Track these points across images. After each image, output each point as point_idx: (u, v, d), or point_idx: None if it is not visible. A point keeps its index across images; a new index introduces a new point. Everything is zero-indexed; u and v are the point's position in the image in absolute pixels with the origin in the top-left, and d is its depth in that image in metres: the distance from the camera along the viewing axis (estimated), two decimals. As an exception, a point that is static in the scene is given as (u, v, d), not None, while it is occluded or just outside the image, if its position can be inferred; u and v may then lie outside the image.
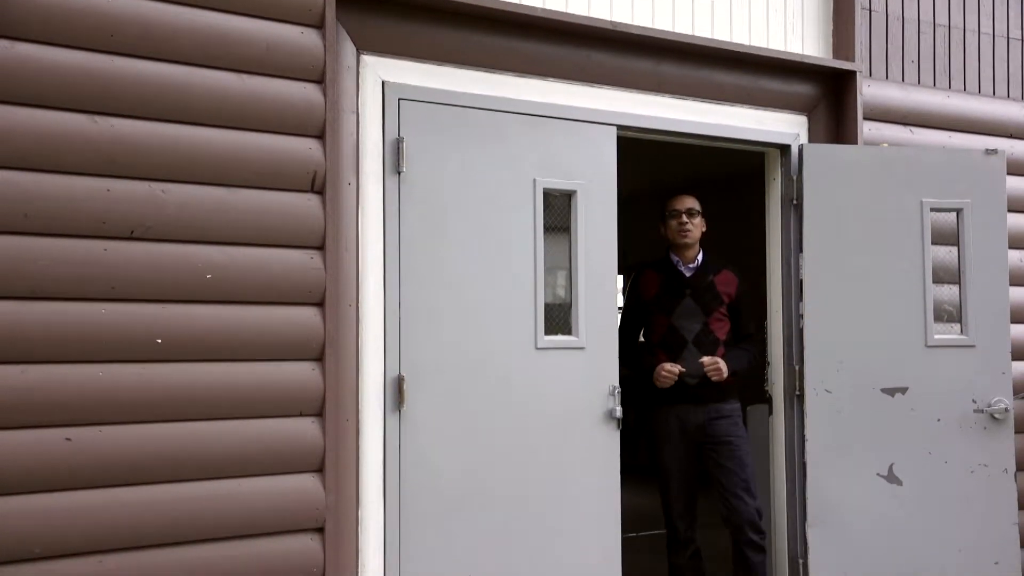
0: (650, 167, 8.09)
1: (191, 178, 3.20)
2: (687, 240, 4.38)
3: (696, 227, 4.39)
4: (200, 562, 3.17)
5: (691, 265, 4.40)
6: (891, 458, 4.32)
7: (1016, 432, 4.49)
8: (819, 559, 4.26)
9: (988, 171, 4.47)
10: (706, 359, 4.24)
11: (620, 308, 4.40)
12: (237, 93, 3.28)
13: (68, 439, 2.98)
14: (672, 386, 4.26)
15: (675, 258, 4.43)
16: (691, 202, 4.42)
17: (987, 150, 4.49)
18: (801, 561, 4.28)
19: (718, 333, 4.34)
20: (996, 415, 4.38)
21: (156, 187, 3.14)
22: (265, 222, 3.32)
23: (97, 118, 3.05)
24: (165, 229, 3.15)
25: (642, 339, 4.55)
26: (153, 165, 3.13)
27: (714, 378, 4.23)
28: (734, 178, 7.71)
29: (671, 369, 4.23)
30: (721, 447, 4.28)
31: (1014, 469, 4.41)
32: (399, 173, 3.66)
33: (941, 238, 4.46)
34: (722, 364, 4.25)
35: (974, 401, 4.39)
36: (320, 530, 3.38)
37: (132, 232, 3.10)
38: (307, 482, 3.37)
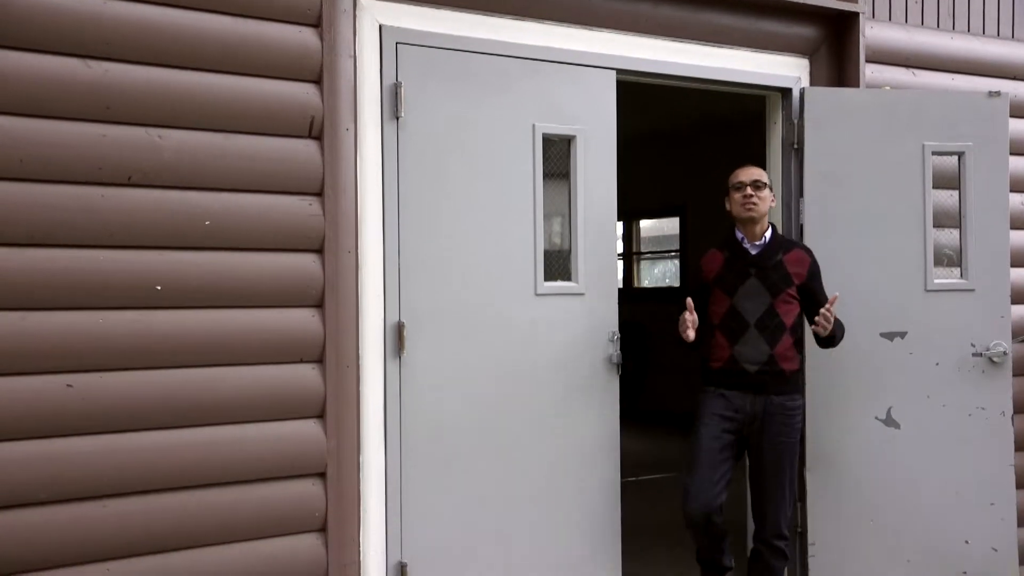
0: (650, 112, 8.05)
1: (188, 123, 3.18)
2: (752, 214, 3.96)
3: (763, 200, 3.97)
4: (202, 507, 3.20)
5: (758, 243, 3.99)
6: (889, 402, 4.34)
7: (1014, 375, 4.51)
8: (817, 503, 4.30)
9: (991, 114, 4.44)
10: (823, 311, 3.81)
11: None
12: (233, 37, 3.24)
13: (69, 385, 2.99)
14: (729, 370, 3.92)
15: (740, 235, 4.03)
16: (757, 173, 4.03)
17: (990, 92, 4.45)
18: (799, 504, 4.32)
19: (784, 317, 3.93)
20: (994, 359, 4.39)
21: (152, 133, 3.12)
22: (263, 168, 3.30)
23: (91, 62, 3.02)
24: (162, 175, 3.14)
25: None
26: (148, 110, 3.11)
27: (820, 324, 3.82)
28: (734, 122, 7.67)
29: (684, 315, 3.82)
30: (768, 447, 3.92)
31: (1011, 412, 4.43)
32: (397, 119, 3.63)
33: (942, 181, 4.44)
34: (831, 316, 3.83)
35: (973, 345, 4.40)
36: (322, 475, 3.41)
37: (129, 178, 3.08)
38: (308, 428, 3.39)
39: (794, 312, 3.96)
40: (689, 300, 3.86)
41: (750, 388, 3.91)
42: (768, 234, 4.02)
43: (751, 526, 4.21)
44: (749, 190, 3.96)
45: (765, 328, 3.90)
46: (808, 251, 4.07)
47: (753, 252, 3.98)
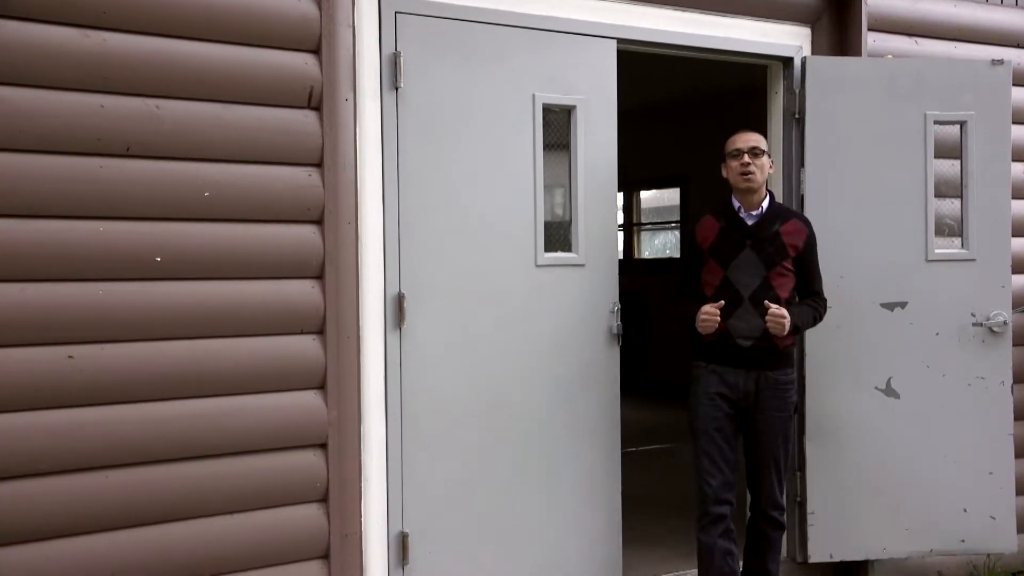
0: (650, 82, 8.01)
1: (186, 94, 3.16)
2: (750, 184, 3.81)
3: (761, 169, 3.83)
4: (204, 478, 3.22)
5: (754, 212, 3.85)
6: (889, 372, 4.35)
7: (1014, 345, 4.51)
8: (816, 472, 4.32)
9: (993, 82, 4.41)
10: (772, 306, 3.70)
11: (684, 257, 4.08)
12: (232, 6, 3.22)
13: (70, 357, 2.99)
14: (721, 345, 3.82)
15: (736, 203, 3.88)
16: (755, 140, 3.87)
17: (993, 61, 4.42)
18: (799, 474, 4.34)
19: (780, 290, 3.81)
20: (995, 328, 4.39)
21: (151, 103, 3.10)
22: (262, 139, 3.29)
23: (89, 32, 3.00)
24: (161, 146, 3.12)
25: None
26: (147, 81, 3.09)
27: (773, 331, 3.71)
28: (735, 92, 7.62)
29: (710, 310, 3.74)
30: (762, 421, 3.84)
31: (1011, 381, 4.44)
32: (397, 89, 3.61)
33: (944, 151, 4.43)
34: (787, 316, 3.71)
35: (973, 315, 4.40)
36: (323, 446, 3.42)
37: (128, 149, 3.07)
38: (309, 399, 3.40)
39: (790, 285, 3.87)
40: (713, 306, 3.75)
41: (743, 364, 3.81)
42: (765, 203, 3.88)
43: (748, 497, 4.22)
44: (747, 158, 3.82)
45: (760, 302, 3.77)
46: (806, 221, 3.96)
47: (749, 222, 3.86)
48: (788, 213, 3.97)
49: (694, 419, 3.89)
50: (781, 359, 3.87)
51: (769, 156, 3.92)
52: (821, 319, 3.97)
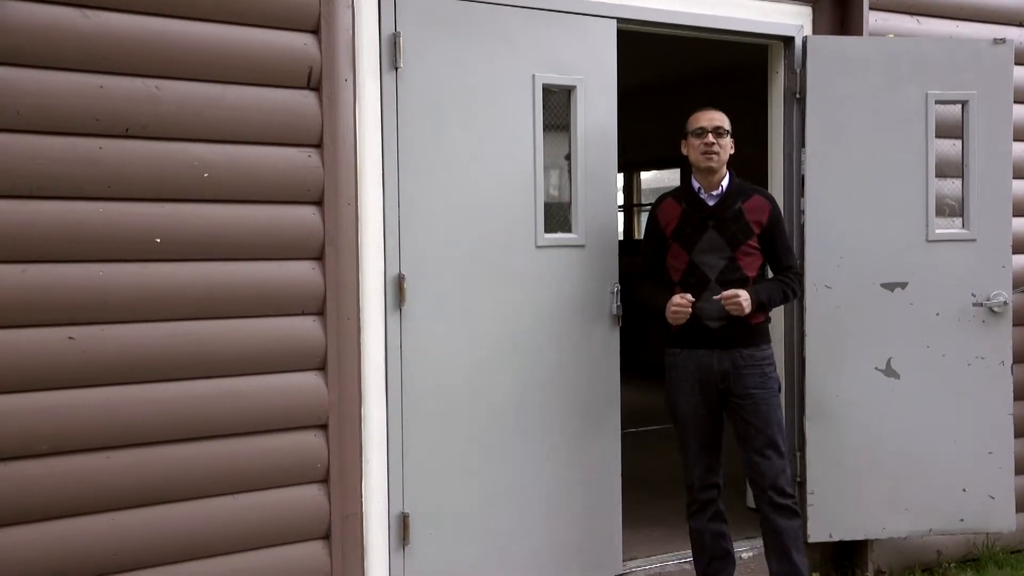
0: (650, 62, 7.98)
1: (185, 74, 3.15)
2: (711, 163, 3.73)
3: (724, 148, 3.74)
4: (205, 458, 3.22)
5: (715, 192, 3.77)
6: (889, 352, 4.35)
7: (1014, 325, 4.51)
8: (816, 452, 4.33)
9: (995, 61, 4.39)
10: (726, 292, 3.64)
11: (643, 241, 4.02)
12: (229, -14, 3.21)
13: (71, 338, 2.99)
14: (692, 328, 3.74)
15: (697, 184, 3.81)
16: (719, 118, 3.78)
17: (995, 40, 4.40)
18: (799, 454, 4.35)
19: (747, 269, 3.74)
20: (995, 308, 4.39)
21: (150, 84, 3.09)
22: (262, 120, 3.28)
23: (88, 12, 3.00)
24: (160, 127, 3.12)
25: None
26: (146, 61, 3.08)
27: (733, 312, 3.65)
28: (735, 72, 7.60)
29: (680, 301, 3.68)
30: (745, 401, 3.74)
31: (1011, 361, 4.44)
32: (397, 69, 3.60)
33: (945, 130, 4.41)
34: (744, 296, 3.63)
35: (973, 295, 4.40)
36: (323, 427, 3.43)
37: (127, 130, 3.06)
38: (309, 380, 3.40)
39: (756, 263, 3.79)
40: (683, 297, 3.69)
41: (716, 344, 3.74)
42: (725, 182, 3.79)
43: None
44: (710, 137, 3.73)
45: (727, 283, 3.70)
46: (768, 197, 3.88)
47: (710, 203, 3.77)
48: (749, 190, 3.85)
49: (672, 408, 3.87)
50: (754, 335, 3.78)
51: (731, 136, 3.81)
52: (796, 294, 3.91)
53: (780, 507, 3.76)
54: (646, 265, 3.96)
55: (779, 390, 3.86)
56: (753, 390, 3.75)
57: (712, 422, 3.82)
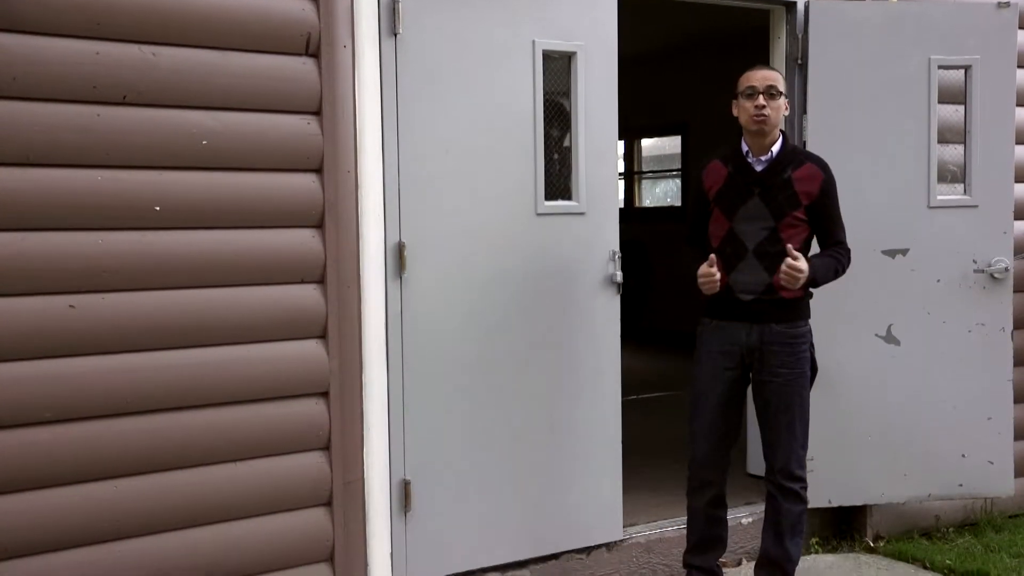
0: (651, 28, 7.92)
1: (182, 41, 3.12)
2: (763, 127, 3.51)
3: (776, 110, 3.52)
4: (206, 426, 3.23)
5: (764, 157, 3.55)
6: (890, 319, 4.36)
7: (1015, 291, 4.51)
8: (816, 418, 4.30)
9: (999, 25, 4.36)
10: (788, 263, 3.39)
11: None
12: (225, -49, 3.18)
13: (72, 306, 2.99)
14: (724, 299, 3.57)
15: (746, 147, 3.59)
16: (773, 78, 3.54)
17: (999, 3, 4.37)
18: (798, 420, 4.36)
19: (790, 242, 3.49)
20: (996, 275, 4.39)
21: (147, 50, 3.07)
22: (260, 86, 3.26)
23: (83, -22, 2.96)
24: (158, 94, 3.09)
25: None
26: (142, 27, 3.05)
27: (785, 283, 3.44)
28: (736, 38, 7.55)
29: (706, 270, 3.48)
30: (770, 380, 3.58)
31: (1011, 328, 4.45)
32: (396, 35, 3.57)
33: (947, 96, 4.39)
34: (803, 266, 3.41)
35: (974, 261, 4.40)
36: (324, 394, 3.43)
37: (124, 97, 3.04)
38: (310, 348, 3.40)
39: (801, 237, 3.57)
40: (713, 257, 3.50)
41: (746, 317, 3.57)
42: (776, 147, 3.57)
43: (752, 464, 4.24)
44: (762, 99, 3.50)
45: (765, 255, 3.53)
46: (823, 165, 3.63)
47: (758, 168, 3.57)
48: (802, 156, 3.66)
49: (695, 380, 3.72)
50: (789, 311, 3.58)
51: (786, 96, 3.61)
52: (844, 271, 3.66)
53: (786, 491, 3.64)
54: (690, 230, 3.80)
55: (812, 371, 3.66)
56: (780, 369, 3.57)
57: (728, 403, 3.66)
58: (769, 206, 3.55)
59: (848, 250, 3.67)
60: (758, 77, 3.54)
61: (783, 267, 3.42)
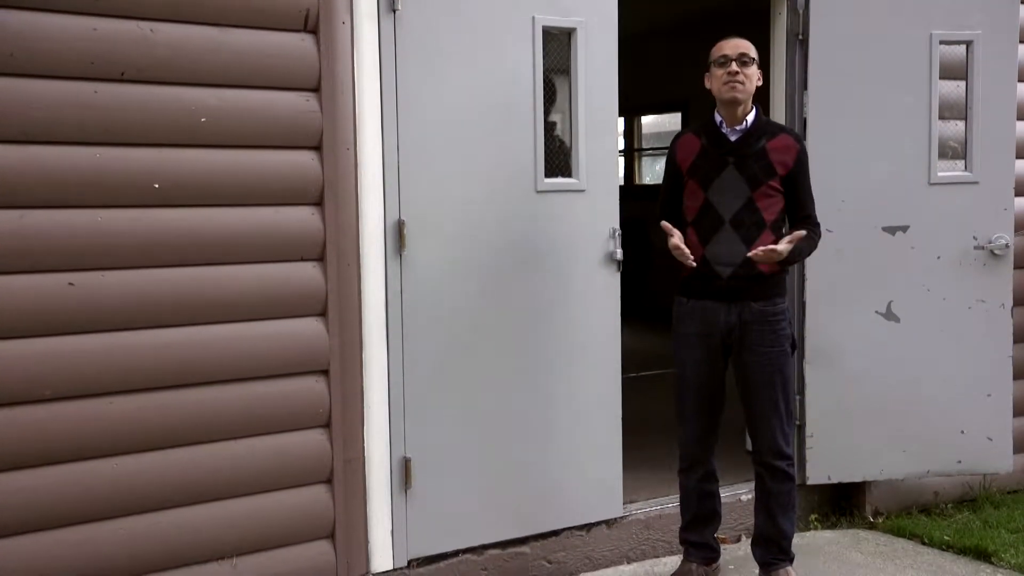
0: (651, 5, 7.88)
1: (180, 17, 3.11)
2: (736, 95, 3.48)
3: (749, 78, 3.48)
4: (207, 404, 3.24)
5: (738, 127, 3.54)
6: (890, 296, 4.35)
7: (1015, 268, 4.50)
8: (816, 395, 4.36)
9: (1001, 1, 4.34)
10: (760, 249, 3.39)
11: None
12: (223, -74, 3.15)
13: (71, 284, 2.99)
14: (701, 275, 3.57)
15: (719, 118, 3.57)
16: (744, 46, 3.51)
17: (1001, -21, 4.35)
18: (798, 398, 4.37)
19: (765, 212, 3.50)
20: (996, 251, 4.39)
21: (144, 27, 3.05)
22: (259, 63, 3.25)
23: (79, -46, 2.94)
24: (156, 71, 3.08)
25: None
26: (140, 3, 3.04)
27: (757, 259, 3.43)
28: (736, 15, 7.51)
29: (676, 243, 3.47)
30: (749, 358, 3.58)
31: (1011, 304, 4.45)
32: (395, 11, 3.55)
33: (949, 71, 4.37)
34: (782, 248, 3.40)
35: (975, 238, 4.39)
36: (325, 372, 3.44)
37: (122, 74, 3.03)
38: (310, 326, 3.40)
39: (777, 207, 3.55)
40: (666, 225, 3.51)
41: (723, 296, 3.55)
42: (751, 117, 3.55)
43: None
44: (734, 66, 3.48)
45: (741, 225, 3.50)
46: (796, 137, 3.64)
47: (732, 138, 3.54)
48: (776, 128, 3.65)
49: (677, 363, 3.74)
50: (766, 288, 3.57)
51: (759, 65, 3.57)
52: (815, 248, 3.65)
53: (774, 469, 3.64)
54: (663, 205, 3.77)
55: (792, 347, 3.66)
56: (760, 347, 3.57)
57: (713, 383, 3.68)
58: (744, 175, 3.53)
59: (818, 225, 3.64)
60: (730, 46, 3.53)
61: (759, 250, 3.41)
